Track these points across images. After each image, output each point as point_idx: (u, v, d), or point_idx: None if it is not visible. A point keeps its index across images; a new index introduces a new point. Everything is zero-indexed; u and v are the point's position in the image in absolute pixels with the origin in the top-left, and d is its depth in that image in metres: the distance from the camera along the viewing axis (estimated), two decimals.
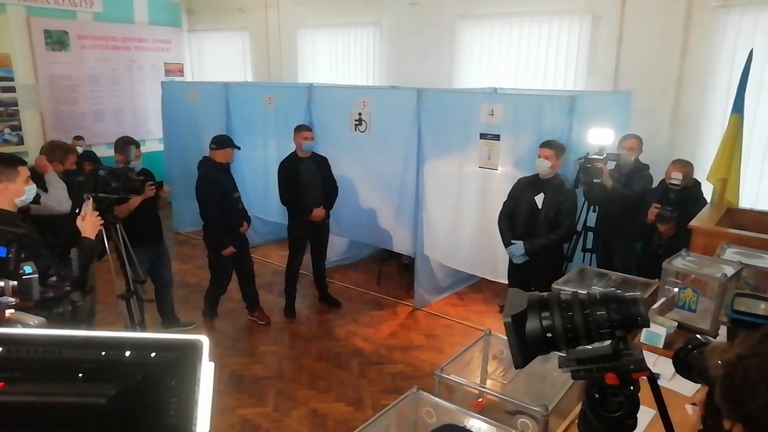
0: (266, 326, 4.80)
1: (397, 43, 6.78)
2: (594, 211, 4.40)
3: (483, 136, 4.49)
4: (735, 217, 3.81)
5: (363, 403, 3.72)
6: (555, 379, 2.96)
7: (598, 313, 1.02)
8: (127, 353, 0.56)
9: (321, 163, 4.89)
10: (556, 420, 2.38)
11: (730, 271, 2.62)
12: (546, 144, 3.96)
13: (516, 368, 1.07)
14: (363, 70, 7.27)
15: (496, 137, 4.42)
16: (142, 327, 3.64)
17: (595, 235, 4.45)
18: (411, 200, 5.00)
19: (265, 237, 6.72)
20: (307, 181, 4.77)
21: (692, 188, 4.03)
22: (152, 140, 8.24)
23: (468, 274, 5.19)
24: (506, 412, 2.73)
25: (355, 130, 5.22)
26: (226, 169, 4.50)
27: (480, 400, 3.25)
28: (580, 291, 1.08)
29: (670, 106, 4.99)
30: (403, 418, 2.65)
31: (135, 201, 3.94)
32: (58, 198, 3.58)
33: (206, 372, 0.57)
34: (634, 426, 1.08)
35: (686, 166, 3.97)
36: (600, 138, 4.12)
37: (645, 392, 1.08)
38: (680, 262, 2.85)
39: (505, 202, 4.20)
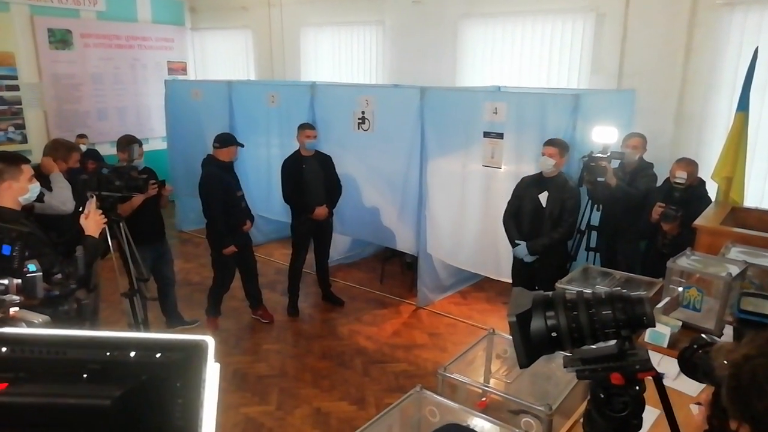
0: (269, 325, 4.80)
1: (400, 42, 6.77)
2: (598, 209, 4.36)
3: (486, 134, 4.47)
4: (740, 216, 3.79)
5: (366, 402, 3.72)
6: (559, 379, 2.95)
7: (604, 312, 1.02)
8: (132, 354, 0.56)
9: (324, 162, 4.89)
10: (560, 420, 2.38)
11: (735, 270, 2.60)
12: (550, 142, 3.95)
13: (521, 368, 1.07)
14: (366, 68, 7.26)
15: (500, 136, 4.41)
16: (146, 325, 3.64)
17: (599, 234, 4.41)
18: (414, 199, 4.99)
19: (268, 235, 6.71)
20: (311, 179, 4.77)
21: (697, 187, 4.01)
22: (155, 139, 8.25)
23: (471, 272, 5.18)
24: (510, 411, 2.72)
25: (358, 128, 5.21)
26: (230, 167, 4.50)
27: (483, 399, 3.25)
28: (584, 290, 1.07)
29: (675, 104, 4.97)
30: (406, 417, 2.65)
31: (138, 199, 3.93)
32: (63, 198, 3.58)
33: (211, 373, 0.56)
34: (640, 426, 1.08)
35: (691, 165, 3.95)
36: (604, 136, 4.10)
37: (649, 392, 1.08)
38: (685, 261, 2.84)
39: (509, 201, 4.19)
